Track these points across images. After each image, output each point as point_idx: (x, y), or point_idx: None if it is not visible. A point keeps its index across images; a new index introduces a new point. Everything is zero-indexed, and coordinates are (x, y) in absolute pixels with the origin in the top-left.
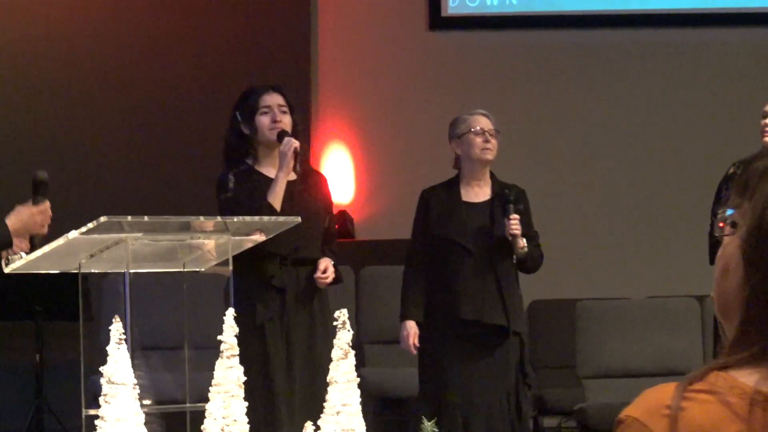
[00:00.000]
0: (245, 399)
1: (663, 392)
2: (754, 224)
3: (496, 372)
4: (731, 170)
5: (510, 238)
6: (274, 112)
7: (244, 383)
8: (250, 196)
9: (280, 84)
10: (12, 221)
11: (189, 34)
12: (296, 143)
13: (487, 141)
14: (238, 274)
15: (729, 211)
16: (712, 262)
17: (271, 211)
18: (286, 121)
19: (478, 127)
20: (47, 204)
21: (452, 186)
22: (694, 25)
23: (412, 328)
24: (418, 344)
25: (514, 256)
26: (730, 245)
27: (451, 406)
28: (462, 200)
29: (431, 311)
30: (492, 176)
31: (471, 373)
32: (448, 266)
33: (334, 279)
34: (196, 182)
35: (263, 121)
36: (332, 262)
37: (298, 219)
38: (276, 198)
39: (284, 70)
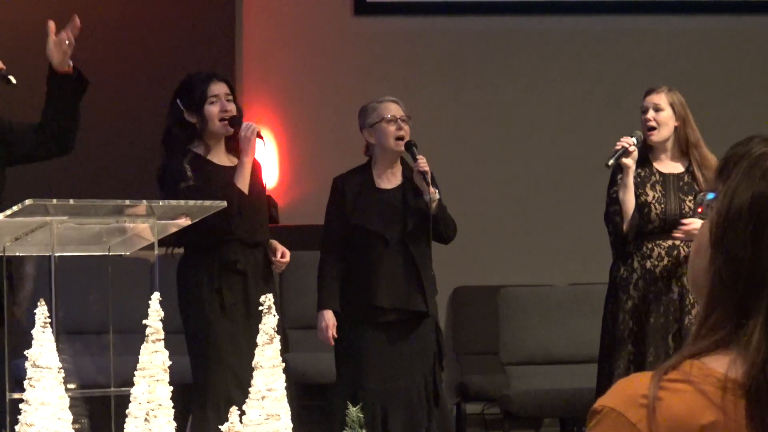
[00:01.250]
0: (210, 380)
1: (638, 382)
2: (722, 207)
3: (414, 357)
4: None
5: (421, 178)
6: (222, 101)
7: (210, 364)
8: (208, 184)
9: (202, 68)
10: None
11: (112, 16)
12: (258, 127)
13: (399, 128)
14: (201, 259)
15: (709, 195)
16: (613, 246)
17: (242, 196)
18: (232, 110)
19: (389, 115)
20: None
21: (365, 172)
22: (616, 13)
23: (330, 318)
24: (336, 335)
25: (432, 217)
26: (704, 227)
27: (369, 393)
28: (376, 187)
29: (347, 299)
30: (402, 160)
31: (388, 360)
32: (364, 254)
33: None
34: (118, 165)
35: (212, 110)
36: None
37: (224, 204)
38: (245, 183)
39: (209, 54)
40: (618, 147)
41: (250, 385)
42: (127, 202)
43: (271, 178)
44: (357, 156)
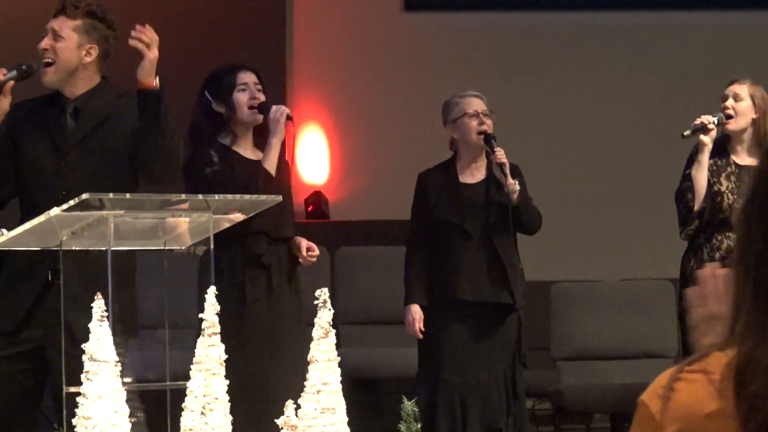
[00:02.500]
0: (229, 376)
1: (666, 373)
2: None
3: (494, 351)
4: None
5: (500, 169)
6: (251, 89)
7: (230, 360)
8: (232, 171)
9: (254, 65)
10: None
11: (163, 13)
12: (287, 110)
13: (482, 123)
14: (225, 252)
15: None
16: (681, 224)
17: (268, 177)
18: (261, 98)
19: (471, 110)
20: None
21: (448, 168)
22: (671, 8)
23: (417, 312)
24: (423, 329)
25: (515, 209)
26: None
27: (449, 386)
28: (459, 182)
29: (431, 293)
30: (487, 155)
31: (469, 353)
32: (448, 248)
33: None
34: None
35: (241, 98)
36: None
37: (279, 198)
38: (271, 165)
39: (259, 51)
40: (697, 122)
41: (271, 380)
42: (183, 196)
43: (321, 175)
44: (408, 151)
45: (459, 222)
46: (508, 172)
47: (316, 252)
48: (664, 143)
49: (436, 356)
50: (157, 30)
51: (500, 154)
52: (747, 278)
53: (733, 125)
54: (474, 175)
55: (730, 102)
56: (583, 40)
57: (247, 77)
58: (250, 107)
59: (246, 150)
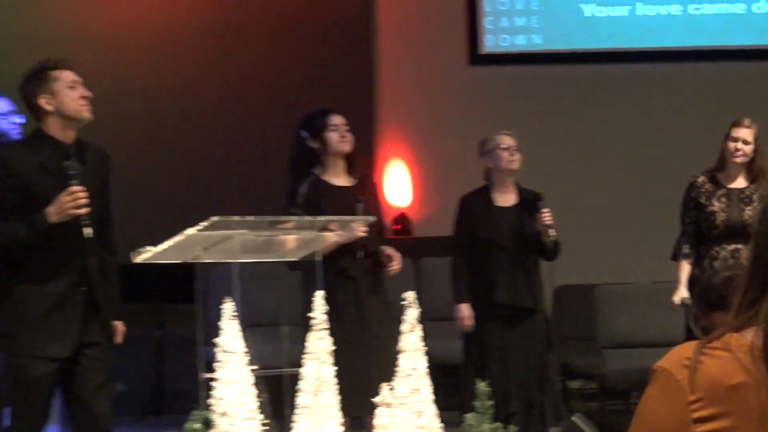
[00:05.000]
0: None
1: (686, 348)
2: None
3: (526, 344)
4: (693, 179)
5: (542, 229)
6: (341, 129)
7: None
8: (315, 209)
9: (344, 111)
10: (50, 209)
11: (267, 63)
12: (362, 234)
13: (512, 155)
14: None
15: None
16: (673, 258)
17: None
18: (349, 137)
19: (503, 144)
20: (73, 188)
21: (485, 193)
22: (688, 60)
23: (467, 310)
24: (474, 323)
25: (544, 244)
26: None
27: (492, 373)
28: (495, 205)
29: (472, 296)
30: (517, 185)
31: (506, 347)
32: (487, 260)
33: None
34: (264, 187)
35: (333, 136)
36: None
37: (373, 218)
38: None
39: (350, 99)
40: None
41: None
42: (295, 217)
43: (406, 198)
44: (474, 179)
45: (497, 238)
46: (551, 232)
47: (396, 262)
48: (683, 168)
49: (480, 349)
50: (263, 77)
51: (546, 217)
52: (758, 264)
53: (741, 160)
54: (507, 199)
55: (740, 144)
56: (616, 86)
57: (338, 119)
58: (339, 143)
59: (338, 178)
